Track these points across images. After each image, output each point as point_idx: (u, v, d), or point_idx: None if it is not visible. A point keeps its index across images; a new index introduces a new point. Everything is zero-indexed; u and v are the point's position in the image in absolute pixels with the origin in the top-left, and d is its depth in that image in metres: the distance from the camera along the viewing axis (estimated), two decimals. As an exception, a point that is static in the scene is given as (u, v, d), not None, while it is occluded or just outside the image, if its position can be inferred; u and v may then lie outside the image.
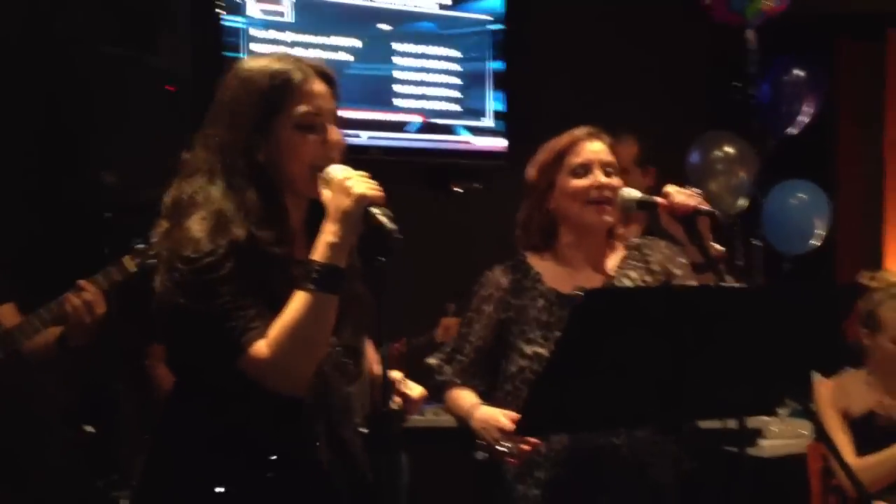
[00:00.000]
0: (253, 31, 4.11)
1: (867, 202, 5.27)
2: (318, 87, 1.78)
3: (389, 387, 1.71)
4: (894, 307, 3.05)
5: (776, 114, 4.80)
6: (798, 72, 4.80)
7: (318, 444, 1.75)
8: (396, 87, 4.44)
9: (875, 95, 5.25)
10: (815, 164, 5.05)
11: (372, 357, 1.89)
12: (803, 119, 4.81)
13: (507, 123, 4.60)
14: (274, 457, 1.72)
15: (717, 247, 2.17)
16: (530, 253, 2.36)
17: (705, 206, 2.13)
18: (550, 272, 2.32)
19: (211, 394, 1.74)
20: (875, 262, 5.01)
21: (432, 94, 4.52)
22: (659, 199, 2.17)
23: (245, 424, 1.72)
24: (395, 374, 1.86)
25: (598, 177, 2.27)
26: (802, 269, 4.85)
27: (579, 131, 2.34)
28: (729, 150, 4.65)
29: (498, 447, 2.12)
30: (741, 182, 4.65)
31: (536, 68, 4.67)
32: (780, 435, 3.71)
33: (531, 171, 2.37)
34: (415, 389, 1.89)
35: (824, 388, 3.14)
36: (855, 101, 5.32)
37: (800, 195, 4.72)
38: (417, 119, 4.48)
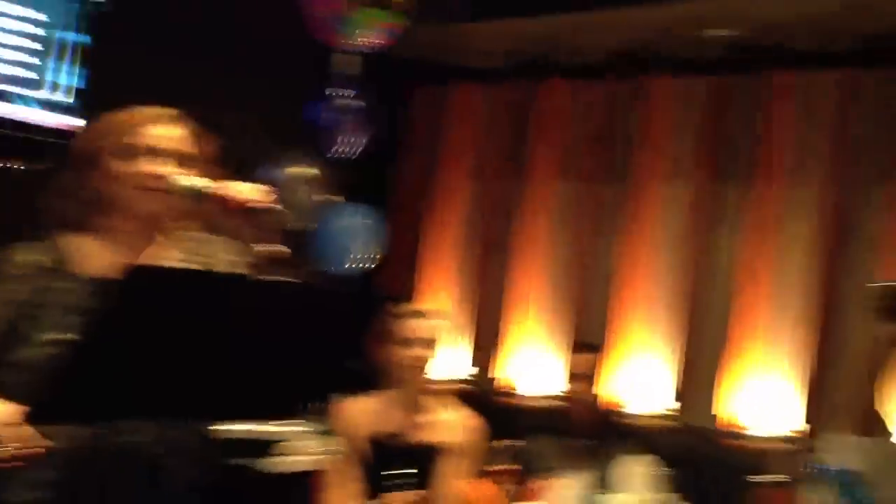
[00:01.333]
0: None
1: (411, 232, 5.75)
2: None
3: None
4: (403, 320, 3.14)
5: (328, 136, 5.07)
6: (344, 101, 5.04)
7: None
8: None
9: (436, 138, 5.77)
10: (380, 190, 5.42)
11: None
12: (348, 146, 5.11)
13: (85, 102, 4.34)
14: None
15: (280, 247, 2.05)
16: (64, 233, 2.13)
17: (265, 204, 2.01)
18: (86, 255, 2.11)
19: None
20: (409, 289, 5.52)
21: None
22: (212, 191, 2.04)
23: None
24: None
25: (156, 165, 2.08)
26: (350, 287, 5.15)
27: (151, 111, 2.14)
28: (305, 168, 4.83)
29: None
30: (311, 200, 4.83)
31: (125, 49, 4.44)
32: (296, 450, 3.75)
33: (78, 143, 2.13)
34: None
35: (347, 408, 3.14)
36: (419, 141, 5.83)
37: (347, 219, 5.01)
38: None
